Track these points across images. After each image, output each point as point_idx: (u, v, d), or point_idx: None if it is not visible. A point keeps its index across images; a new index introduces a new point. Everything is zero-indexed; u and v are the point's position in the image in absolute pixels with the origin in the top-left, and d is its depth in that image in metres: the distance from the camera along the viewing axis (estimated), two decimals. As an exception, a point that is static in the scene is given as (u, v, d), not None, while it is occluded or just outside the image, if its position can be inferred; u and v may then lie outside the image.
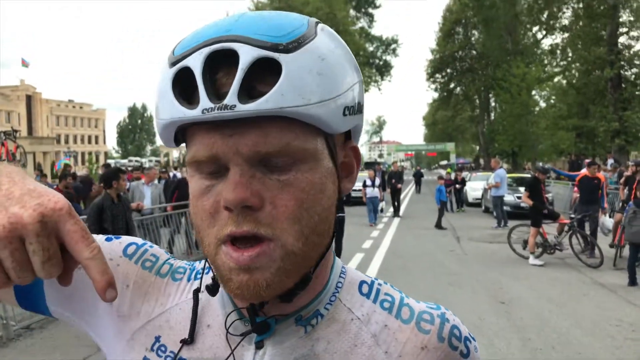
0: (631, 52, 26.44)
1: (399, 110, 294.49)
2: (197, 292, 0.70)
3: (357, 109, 0.63)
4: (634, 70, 26.83)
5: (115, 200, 6.18)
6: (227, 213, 0.57)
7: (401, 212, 19.02)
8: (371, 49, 52.84)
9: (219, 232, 0.58)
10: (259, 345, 0.66)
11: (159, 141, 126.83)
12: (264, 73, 0.55)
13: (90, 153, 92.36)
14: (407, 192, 33.56)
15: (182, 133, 0.61)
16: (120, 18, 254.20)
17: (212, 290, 0.67)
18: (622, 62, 26.21)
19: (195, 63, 0.56)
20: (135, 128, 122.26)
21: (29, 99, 77.66)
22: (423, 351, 0.67)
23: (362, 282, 0.73)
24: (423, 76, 50.80)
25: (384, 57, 53.98)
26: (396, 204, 18.59)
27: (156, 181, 10.38)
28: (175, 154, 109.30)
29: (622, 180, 12.42)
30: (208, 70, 0.56)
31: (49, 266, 0.52)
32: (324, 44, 0.59)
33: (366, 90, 51.97)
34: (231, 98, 0.54)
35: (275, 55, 0.55)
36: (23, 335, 5.93)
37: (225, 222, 0.58)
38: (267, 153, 0.56)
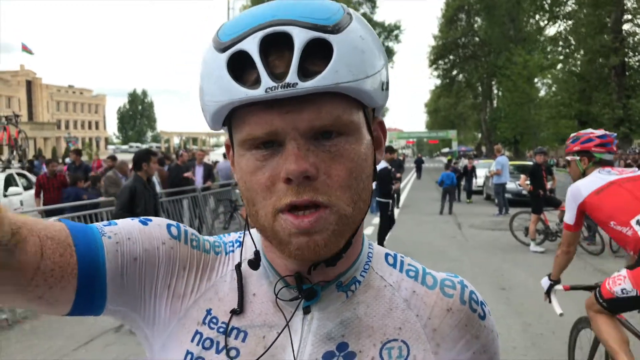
0: (635, 39, 26.27)
1: (401, 97, 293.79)
2: (239, 266, 0.75)
3: (387, 86, 0.69)
4: (639, 57, 26.66)
5: (146, 184, 5.78)
6: (284, 185, 0.62)
7: (402, 202, 18.05)
8: (373, 35, 52.67)
9: (277, 202, 0.62)
10: (306, 311, 0.71)
11: (159, 127, 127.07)
12: (313, 54, 0.59)
13: (90, 139, 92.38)
14: (409, 180, 33.59)
15: (228, 115, 0.65)
16: (120, 3, 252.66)
17: (254, 264, 0.72)
18: (627, 50, 26.05)
19: (252, 47, 0.59)
20: (136, 114, 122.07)
21: (29, 85, 77.54)
22: (449, 313, 0.74)
23: (387, 254, 0.80)
24: (426, 63, 50.55)
25: (386, 44, 53.76)
26: (395, 195, 17.92)
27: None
28: (176, 140, 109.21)
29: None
30: (263, 53, 0.59)
31: None
32: (360, 26, 0.64)
33: (368, 77, 52.23)
34: (292, 77, 0.58)
35: (326, 36, 0.59)
36: (29, 317, 5.99)
37: (283, 193, 0.62)
38: (321, 127, 0.62)
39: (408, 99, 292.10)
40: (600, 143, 3.17)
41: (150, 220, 0.75)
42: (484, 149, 49.71)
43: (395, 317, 0.73)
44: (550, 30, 33.90)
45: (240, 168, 0.66)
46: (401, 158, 26.91)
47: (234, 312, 0.72)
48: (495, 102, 47.14)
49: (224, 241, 0.80)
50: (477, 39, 46.47)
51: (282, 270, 0.72)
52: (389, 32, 53.43)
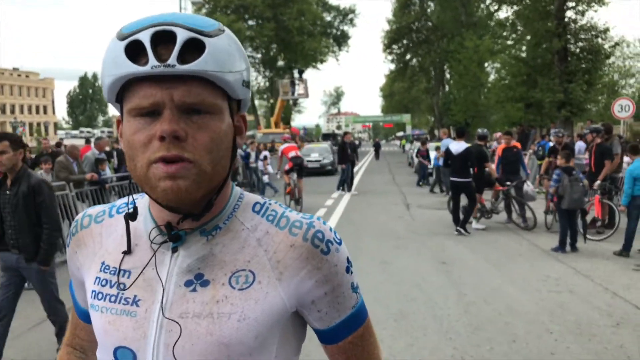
0: (577, 26, 27.28)
1: (357, 82, 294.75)
2: (127, 216, 0.95)
3: (248, 85, 0.91)
4: (579, 44, 27.73)
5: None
6: (158, 143, 0.81)
7: (354, 188, 17.28)
8: (328, 18, 52.58)
9: (151, 155, 0.81)
10: (174, 251, 0.92)
11: (111, 112, 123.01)
12: (191, 50, 0.80)
13: (38, 124, 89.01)
14: (364, 163, 34.11)
15: (122, 91, 0.85)
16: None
17: (132, 215, 0.94)
18: (569, 36, 27.06)
19: (145, 37, 0.80)
20: (86, 98, 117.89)
21: (-30, 67, 73.88)
22: (291, 248, 0.91)
23: (256, 203, 0.98)
24: (380, 47, 50.87)
25: (341, 27, 53.84)
26: (348, 179, 16.63)
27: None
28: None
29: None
30: (153, 44, 0.80)
31: None
32: (228, 39, 0.87)
33: (324, 61, 52.06)
34: (172, 60, 0.79)
35: (201, 37, 0.81)
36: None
37: (157, 148, 0.81)
38: (191, 103, 0.82)
39: (364, 83, 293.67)
40: (287, 139, 14.92)
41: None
42: (436, 132, 50.73)
43: (246, 253, 0.91)
44: (500, 14, 34.70)
45: (125, 132, 0.84)
46: (357, 142, 26.63)
47: (125, 253, 0.95)
48: (447, 86, 48.09)
49: (112, 205, 1.05)
50: (430, 23, 47.16)
51: (160, 222, 0.93)
52: (344, 15, 53.47)
